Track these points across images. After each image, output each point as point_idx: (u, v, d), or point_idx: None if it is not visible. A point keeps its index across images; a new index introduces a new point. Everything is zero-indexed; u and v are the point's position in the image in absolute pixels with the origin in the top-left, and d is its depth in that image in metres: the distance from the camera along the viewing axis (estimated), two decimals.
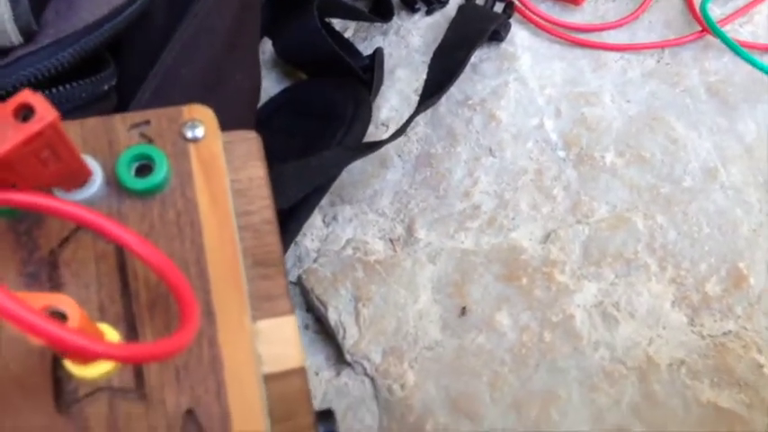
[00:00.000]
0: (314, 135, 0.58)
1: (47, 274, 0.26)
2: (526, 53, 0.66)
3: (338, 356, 0.54)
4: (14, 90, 0.35)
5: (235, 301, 0.27)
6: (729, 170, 0.59)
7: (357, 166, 0.60)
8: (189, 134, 0.29)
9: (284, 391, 0.28)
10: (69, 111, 0.37)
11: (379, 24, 0.68)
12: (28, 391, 0.25)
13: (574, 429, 0.51)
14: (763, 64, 0.62)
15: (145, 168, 0.28)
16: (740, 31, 0.66)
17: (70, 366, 0.22)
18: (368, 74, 0.62)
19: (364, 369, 0.53)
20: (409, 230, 0.58)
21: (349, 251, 0.57)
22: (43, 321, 0.19)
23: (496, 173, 0.60)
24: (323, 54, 0.60)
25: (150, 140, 0.29)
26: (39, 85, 0.36)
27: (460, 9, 0.67)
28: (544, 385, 0.52)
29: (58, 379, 0.25)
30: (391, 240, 0.58)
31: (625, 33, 0.67)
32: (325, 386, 0.53)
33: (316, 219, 0.59)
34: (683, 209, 0.58)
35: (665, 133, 0.61)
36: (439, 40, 0.63)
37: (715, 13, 0.66)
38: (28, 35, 0.36)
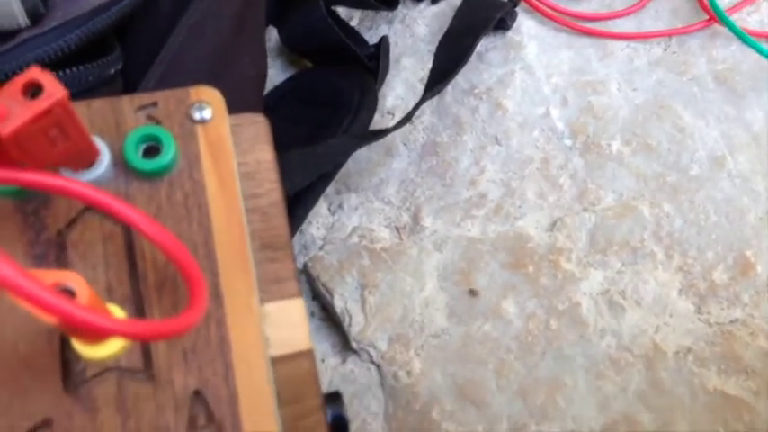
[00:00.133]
0: (320, 123, 0.58)
1: (54, 254, 0.26)
2: (532, 42, 0.66)
3: (344, 344, 0.54)
4: (21, 72, 0.35)
5: (243, 283, 0.27)
6: (737, 158, 0.59)
7: (363, 154, 0.60)
8: (196, 116, 0.29)
9: (292, 374, 0.28)
10: (75, 94, 0.36)
11: (384, 13, 0.68)
12: (36, 372, 0.25)
13: (580, 416, 0.50)
14: None
15: (152, 150, 0.28)
16: (747, 20, 0.66)
17: (78, 347, 0.22)
18: (373, 62, 0.62)
19: (370, 356, 0.53)
20: (415, 218, 0.58)
21: (355, 239, 0.57)
22: (54, 297, 0.19)
23: (503, 161, 0.60)
24: (328, 42, 0.60)
25: (158, 122, 0.29)
26: (45, 67, 0.36)
27: None
28: (550, 373, 0.52)
29: (67, 360, 0.25)
30: (397, 228, 0.58)
31: (632, 22, 0.67)
32: (330, 373, 0.53)
33: (321, 207, 0.59)
34: (690, 197, 0.57)
35: (671, 122, 0.61)
36: (444, 29, 0.63)
37: (722, 1, 0.65)
38: (35, 17, 0.36)
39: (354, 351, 0.53)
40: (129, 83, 0.41)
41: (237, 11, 0.47)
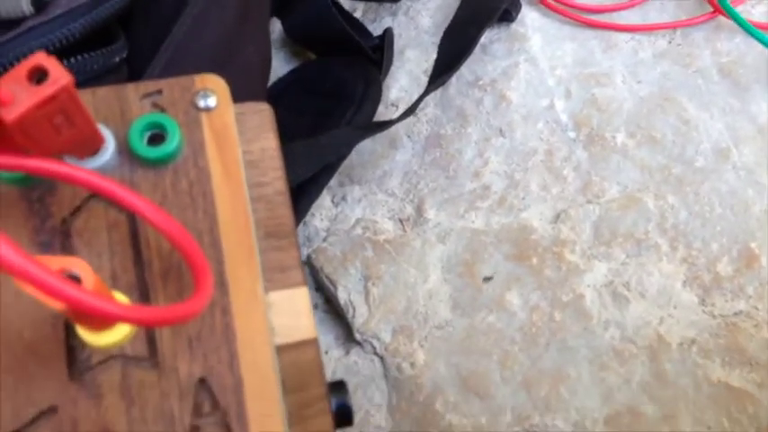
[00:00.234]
0: (323, 114, 0.58)
1: (59, 242, 0.26)
2: (537, 34, 0.65)
3: (348, 335, 0.54)
4: None
5: (247, 271, 0.27)
6: (741, 151, 0.59)
7: (366, 146, 0.60)
8: (201, 103, 0.29)
9: (297, 362, 0.28)
10: (81, 82, 0.36)
11: (388, 5, 0.68)
12: (41, 359, 0.25)
13: (584, 408, 0.50)
14: None
15: (157, 138, 0.28)
16: (752, 12, 0.66)
17: (83, 334, 0.22)
18: (377, 54, 0.62)
19: (374, 348, 0.53)
20: (419, 210, 0.57)
21: (358, 231, 0.57)
22: (60, 282, 0.18)
23: (507, 153, 0.60)
24: (332, 33, 0.60)
25: (162, 110, 0.29)
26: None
27: None
28: (554, 364, 0.52)
29: (72, 347, 0.25)
30: (401, 220, 0.57)
31: (636, 14, 0.66)
32: (334, 365, 0.53)
33: (325, 199, 0.59)
34: (695, 189, 0.57)
35: (676, 114, 0.61)
36: (449, 21, 0.63)
37: None
38: (39, 5, 0.36)
39: (358, 343, 0.53)
40: (133, 71, 0.41)
41: (242, 0, 0.47)
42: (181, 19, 0.42)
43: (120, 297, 0.23)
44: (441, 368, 0.52)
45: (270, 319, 0.28)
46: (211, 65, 0.44)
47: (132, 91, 0.29)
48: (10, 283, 0.24)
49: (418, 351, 0.52)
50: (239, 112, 0.31)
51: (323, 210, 0.58)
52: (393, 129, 0.57)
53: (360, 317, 0.53)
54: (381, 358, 0.53)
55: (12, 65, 0.34)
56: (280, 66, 0.65)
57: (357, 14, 0.68)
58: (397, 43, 0.65)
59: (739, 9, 0.64)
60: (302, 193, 0.54)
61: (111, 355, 0.25)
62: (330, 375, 0.53)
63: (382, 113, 0.62)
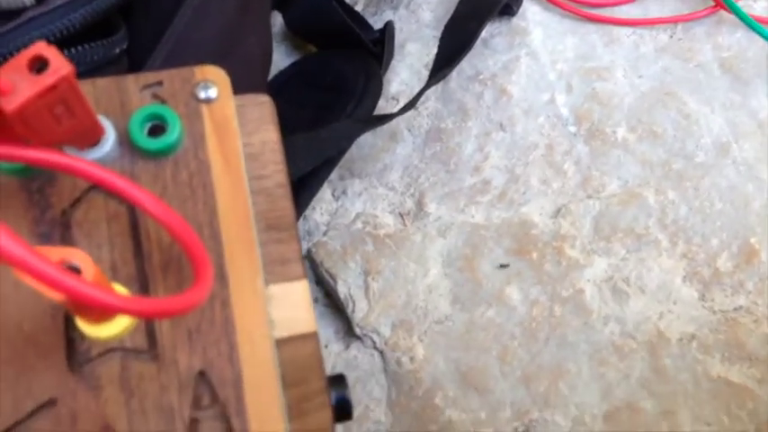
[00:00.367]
0: (324, 107, 0.57)
1: (59, 234, 0.26)
2: (538, 28, 0.65)
3: (347, 330, 0.54)
4: None
5: (247, 263, 0.27)
6: (742, 146, 0.59)
7: (367, 140, 0.60)
8: (202, 95, 0.29)
9: (296, 356, 0.28)
10: (81, 73, 0.36)
11: None
12: (41, 351, 0.24)
13: (583, 403, 0.50)
14: None
15: (157, 129, 0.28)
16: (754, 7, 0.65)
17: (83, 326, 0.22)
18: (378, 47, 0.62)
19: (373, 342, 0.53)
20: (419, 205, 0.57)
21: (359, 225, 0.57)
22: (60, 273, 0.18)
23: (507, 148, 0.59)
24: (333, 26, 0.60)
25: (163, 101, 0.29)
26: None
27: None
28: (553, 359, 0.52)
29: (71, 339, 0.25)
30: (401, 214, 0.57)
31: (638, 8, 0.66)
32: (334, 359, 0.53)
33: (325, 193, 0.59)
34: (695, 184, 0.57)
35: (677, 108, 0.60)
36: (450, 15, 0.62)
37: None
38: None
39: (358, 337, 0.53)
40: (134, 62, 0.41)
41: None
42: (181, 10, 0.42)
43: (120, 289, 0.23)
44: (440, 363, 0.52)
45: (270, 312, 0.27)
46: (212, 56, 0.44)
47: (133, 82, 0.29)
48: (9, 275, 0.24)
49: (418, 346, 0.52)
50: (240, 104, 0.31)
51: (323, 203, 0.58)
52: (394, 122, 0.57)
53: (359, 311, 0.53)
54: (381, 353, 0.53)
55: (12, 55, 0.34)
56: (281, 59, 0.65)
57: (358, 7, 0.68)
58: (398, 37, 0.65)
59: (741, 3, 0.64)
60: (303, 186, 0.54)
61: (111, 348, 0.25)
62: (330, 370, 0.53)
63: (383, 107, 0.62)
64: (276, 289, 0.29)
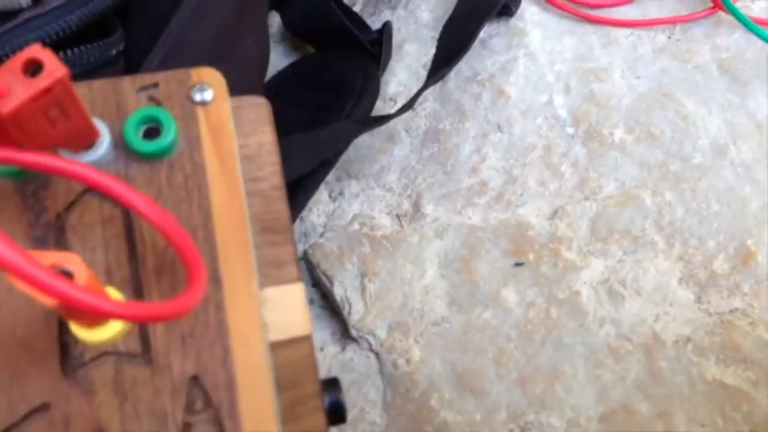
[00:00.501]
0: (322, 108, 0.57)
1: (54, 238, 0.26)
2: (536, 28, 0.65)
3: (343, 331, 0.54)
4: None
5: (242, 266, 0.27)
6: (740, 147, 0.59)
7: (364, 141, 0.60)
8: (197, 97, 0.29)
9: (290, 359, 0.28)
10: (77, 75, 0.36)
11: None
12: (34, 356, 0.24)
13: (578, 405, 0.50)
14: None
15: (153, 131, 0.28)
16: (752, 7, 0.65)
17: (76, 330, 0.22)
18: (376, 48, 0.62)
19: (369, 344, 0.53)
20: (416, 206, 0.57)
21: (356, 226, 0.57)
22: (52, 278, 0.18)
23: (505, 149, 0.59)
24: (331, 27, 0.60)
25: (159, 103, 0.29)
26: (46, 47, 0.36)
27: None
28: (549, 361, 0.52)
29: (65, 344, 0.25)
30: (398, 216, 0.57)
31: (636, 9, 0.66)
32: (330, 361, 0.53)
33: (322, 194, 0.59)
34: (692, 186, 0.57)
35: (675, 110, 0.60)
36: (448, 15, 0.62)
37: None
38: None
39: (354, 339, 0.53)
40: (131, 64, 0.41)
41: None
42: (179, 11, 0.42)
43: (114, 293, 0.23)
44: (436, 365, 0.52)
45: (264, 315, 0.27)
46: (210, 57, 0.44)
47: (128, 84, 0.29)
48: (2, 280, 0.24)
49: (414, 348, 0.52)
50: (236, 105, 0.31)
51: (320, 205, 0.58)
52: (391, 123, 0.57)
53: (356, 313, 0.53)
54: (377, 354, 0.53)
55: (8, 57, 0.34)
56: (279, 59, 0.65)
57: (356, 8, 0.68)
58: (397, 37, 0.65)
59: (739, 4, 0.64)
60: (299, 187, 0.53)
61: (105, 352, 0.25)
62: (326, 372, 0.53)
63: (381, 108, 0.62)
64: (271, 292, 0.29)
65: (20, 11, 0.35)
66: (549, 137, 0.60)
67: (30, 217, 0.26)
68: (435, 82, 0.58)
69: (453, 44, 0.60)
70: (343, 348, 0.54)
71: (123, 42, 0.39)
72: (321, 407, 0.28)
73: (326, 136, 0.52)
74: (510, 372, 0.52)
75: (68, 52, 0.36)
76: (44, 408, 0.24)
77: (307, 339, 0.28)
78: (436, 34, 0.62)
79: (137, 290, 0.26)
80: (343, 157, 0.58)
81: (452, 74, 0.62)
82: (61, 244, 0.26)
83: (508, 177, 0.58)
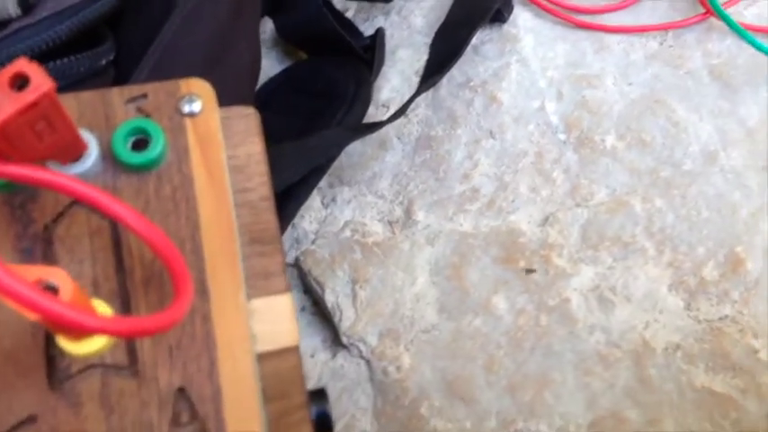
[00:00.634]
0: (314, 114, 0.57)
1: (41, 250, 0.26)
2: (529, 34, 0.65)
3: (334, 338, 0.54)
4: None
5: (230, 278, 0.27)
6: (730, 153, 0.59)
7: (357, 147, 0.60)
8: (186, 108, 0.29)
9: (278, 370, 0.28)
10: (67, 86, 0.36)
11: (380, 5, 0.68)
12: (21, 368, 0.24)
13: (568, 413, 0.51)
14: (767, 47, 0.61)
15: (141, 143, 0.28)
16: (744, 14, 0.66)
17: (63, 343, 0.22)
18: (369, 54, 0.62)
19: (360, 351, 0.53)
20: (408, 213, 0.58)
21: (347, 233, 0.57)
22: (34, 294, 0.18)
23: (497, 155, 0.60)
24: (323, 33, 0.60)
25: (147, 115, 0.29)
26: (36, 58, 0.36)
27: None
28: (539, 369, 0.52)
29: (52, 356, 0.25)
30: (390, 222, 0.57)
31: (629, 15, 0.66)
32: (320, 368, 0.53)
33: (314, 200, 0.59)
34: (682, 192, 0.57)
35: (666, 116, 0.61)
36: (442, 21, 0.62)
37: None
38: (26, 7, 0.35)
39: (344, 346, 0.53)
40: (121, 73, 0.41)
41: None
42: (172, 17, 0.42)
43: (101, 305, 0.23)
44: (426, 372, 0.52)
45: (252, 326, 0.27)
46: (202, 63, 0.44)
47: (117, 95, 0.29)
48: None
49: (404, 355, 0.52)
50: (225, 116, 0.31)
51: (312, 212, 0.58)
52: (383, 130, 0.57)
53: (347, 320, 0.53)
54: (367, 362, 0.53)
55: None
56: (272, 65, 0.65)
57: (349, 14, 0.68)
58: (390, 43, 0.65)
59: (730, 11, 0.64)
60: (291, 195, 0.54)
61: (91, 364, 0.25)
62: (316, 379, 0.53)
63: (373, 114, 0.62)
64: (259, 303, 0.29)
65: (9, 21, 0.35)
66: (541, 143, 0.60)
67: (17, 229, 0.26)
68: (428, 88, 0.58)
69: (446, 50, 0.60)
70: (334, 355, 0.54)
71: (114, 52, 0.39)
72: (308, 418, 0.28)
73: (318, 143, 0.52)
74: (500, 379, 0.52)
75: (58, 62, 0.36)
76: (31, 420, 0.24)
77: (294, 350, 0.28)
78: (429, 40, 0.62)
79: (124, 302, 0.26)
80: (336, 164, 0.58)
81: (445, 80, 0.63)
82: (49, 256, 0.26)
83: (500, 184, 0.58)
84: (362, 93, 0.58)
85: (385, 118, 0.56)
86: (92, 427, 0.24)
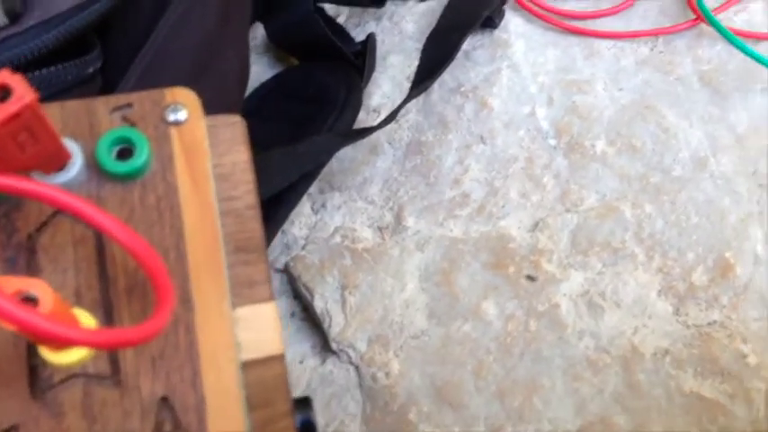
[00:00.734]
0: (305, 119, 0.58)
1: (25, 259, 0.26)
2: (520, 40, 0.66)
3: (324, 344, 0.54)
4: None
5: (214, 287, 0.27)
6: (720, 159, 0.59)
7: (347, 153, 0.60)
8: (171, 117, 0.29)
9: (262, 378, 0.28)
10: (54, 94, 0.36)
11: (372, 10, 0.68)
12: (3, 378, 0.25)
13: (556, 418, 0.51)
14: (757, 53, 0.61)
15: (126, 152, 0.28)
16: (734, 20, 0.66)
17: (45, 353, 0.22)
18: (360, 60, 0.62)
19: (349, 357, 0.53)
20: (398, 218, 0.58)
21: (337, 239, 0.57)
22: (12, 306, 0.19)
23: (487, 161, 0.60)
24: (314, 38, 0.60)
25: (133, 124, 0.29)
26: (24, 66, 0.36)
27: None
28: (528, 374, 0.52)
29: (34, 366, 0.25)
30: (380, 228, 0.58)
31: (619, 21, 0.66)
32: (309, 374, 0.53)
33: (304, 206, 0.59)
34: (672, 198, 0.58)
35: (656, 122, 0.61)
36: (433, 26, 0.63)
37: (710, 0, 0.65)
38: (13, 16, 0.35)
39: (334, 352, 0.53)
40: (109, 81, 0.41)
41: (223, 1, 0.47)
42: (160, 23, 0.42)
43: (84, 315, 0.23)
44: (415, 378, 0.52)
45: (237, 335, 0.28)
46: (190, 70, 0.44)
47: (102, 104, 0.29)
48: None
49: (393, 361, 0.52)
50: (211, 124, 0.31)
51: (302, 217, 0.58)
52: (374, 135, 0.57)
53: (336, 326, 0.54)
54: (356, 368, 0.53)
55: None
56: (262, 71, 0.65)
57: (341, 19, 0.68)
58: (381, 49, 0.65)
59: (720, 17, 0.64)
60: (281, 200, 0.54)
61: (74, 374, 0.25)
62: (305, 385, 0.53)
63: (364, 119, 0.62)
64: (243, 311, 0.29)
65: None
66: (532, 149, 0.60)
67: (1, 238, 0.26)
68: (419, 94, 0.59)
69: (437, 56, 0.60)
70: (324, 361, 0.54)
71: (101, 60, 0.39)
72: (292, 426, 0.28)
73: (308, 149, 0.52)
74: (489, 384, 0.52)
75: (45, 71, 0.36)
76: (13, 430, 0.24)
77: (279, 359, 0.28)
78: (420, 46, 0.62)
79: (107, 311, 0.26)
80: (326, 169, 0.58)
81: (436, 85, 0.63)
82: (32, 265, 0.26)
83: (490, 189, 0.58)
84: (353, 98, 0.59)
85: (376, 123, 0.56)
86: None
